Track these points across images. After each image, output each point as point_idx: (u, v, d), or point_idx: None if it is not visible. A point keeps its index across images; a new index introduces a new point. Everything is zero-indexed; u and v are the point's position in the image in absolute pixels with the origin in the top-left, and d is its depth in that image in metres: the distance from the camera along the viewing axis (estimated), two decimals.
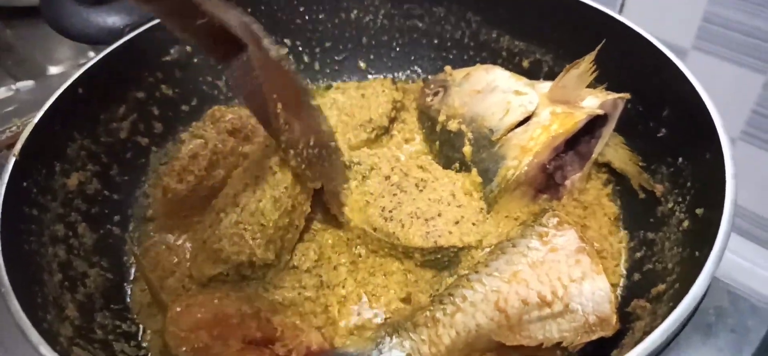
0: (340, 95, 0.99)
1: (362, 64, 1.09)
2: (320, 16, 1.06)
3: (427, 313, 0.68)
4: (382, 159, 0.84)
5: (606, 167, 0.85)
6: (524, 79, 0.88)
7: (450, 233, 0.75)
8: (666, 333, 0.50)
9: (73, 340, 0.63)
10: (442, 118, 0.89)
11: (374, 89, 0.99)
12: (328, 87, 1.08)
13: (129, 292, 0.78)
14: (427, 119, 0.94)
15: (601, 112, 0.78)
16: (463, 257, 0.76)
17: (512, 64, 0.98)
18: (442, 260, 0.76)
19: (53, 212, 0.75)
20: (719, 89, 1.11)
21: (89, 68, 0.82)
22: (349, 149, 0.89)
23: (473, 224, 0.76)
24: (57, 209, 0.75)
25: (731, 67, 1.08)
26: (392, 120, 0.98)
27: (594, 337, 0.62)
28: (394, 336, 0.68)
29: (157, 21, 0.90)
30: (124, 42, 0.87)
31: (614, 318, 0.62)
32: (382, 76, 1.09)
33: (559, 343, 0.62)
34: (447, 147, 0.88)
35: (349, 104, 0.97)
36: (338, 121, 0.94)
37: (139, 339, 0.72)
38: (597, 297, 0.63)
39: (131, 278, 0.79)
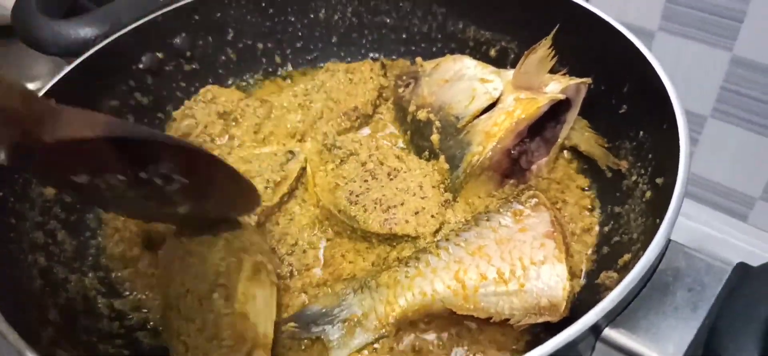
0: (329, 78, 1.01)
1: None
2: (290, 18, 1.08)
3: (391, 273, 0.71)
4: (363, 146, 0.87)
5: (573, 150, 0.87)
6: (491, 68, 0.90)
7: (406, 222, 0.77)
8: (624, 292, 0.52)
9: (57, 342, 0.64)
10: (412, 108, 0.90)
11: (363, 73, 1.01)
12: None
13: (114, 294, 0.79)
14: (400, 109, 0.96)
15: (563, 97, 0.80)
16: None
17: (480, 54, 1.00)
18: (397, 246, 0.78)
19: (31, 221, 0.76)
20: (688, 68, 1.14)
21: (61, 78, 0.84)
22: (335, 134, 0.92)
23: (432, 216, 0.78)
24: (35, 217, 0.77)
25: (698, 46, 1.11)
26: (376, 107, 1.00)
27: (540, 320, 0.63)
28: (357, 293, 0.71)
29: (127, 30, 0.92)
30: (95, 52, 0.89)
31: (563, 305, 0.63)
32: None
33: (507, 319, 0.64)
34: (417, 136, 0.90)
35: (337, 89, 0.99)
36: (324, 106, 0.96)
37: (124, 339, 0.73)
38: (552, 282, 0.65)
39: (114, 279, 0.81)
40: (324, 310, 0.71)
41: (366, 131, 0.98)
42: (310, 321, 0.70)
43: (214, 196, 0.67)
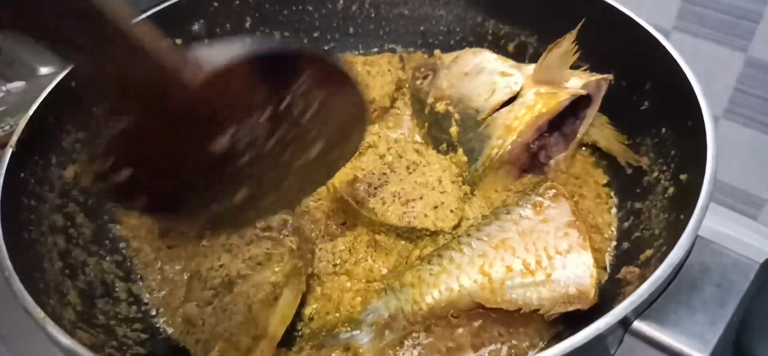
0: None
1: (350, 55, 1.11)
2: (308, 7, 1.07)
3: (414, 272, 0.70)
4: (382, 138, 0.87)
5: (592, 146, 0.87)
6: (511, 61, 0.89)
7: (425, 216, 0.77)
8: (652, 287, 0.52)
9: (76, 324, 0.64)
10: (430, 100, 0.90)
11: (381, 66, 1.01)
12: None
13: (131, 278, 0.79)
14: (417, 101, 0.96)
15: (583, 92, 0.80)
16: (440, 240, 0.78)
17: (498, 48, 1.00)
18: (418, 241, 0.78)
19: (51, 203, 0.75)
20: (702, 69, 1.13)
21: None
22: None
23: (451, 211, 0.78)
24: (55, 200, 0.76)
25: (713, 47, 1.11)
26: (394, 100, 1.00)
27: (570, 308, 0.63)
28: (381, 296, 0.71)
29: (146, 15, 0.92)
30: None
31: (592, 293, 0.64)
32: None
33: (536, 310, 0.64)
34: (435, 128, 0.90)
35: None
36: None
37: (142, 323, 0.73)
38: (579, 271, 0.65)
39: (132, 263, 0.81)
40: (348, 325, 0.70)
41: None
42: (337, 335, 0.70)
43: (340, 123, 0.59)
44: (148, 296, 0.77)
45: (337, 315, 0.72)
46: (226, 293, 0.66)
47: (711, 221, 1.07)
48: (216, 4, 1.01)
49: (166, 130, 0.45)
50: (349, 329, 0.69)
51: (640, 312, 0.54)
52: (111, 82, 0.41)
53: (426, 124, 0.92)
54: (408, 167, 0.82)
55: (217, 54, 0.44)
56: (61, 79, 0.81)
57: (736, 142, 1.19)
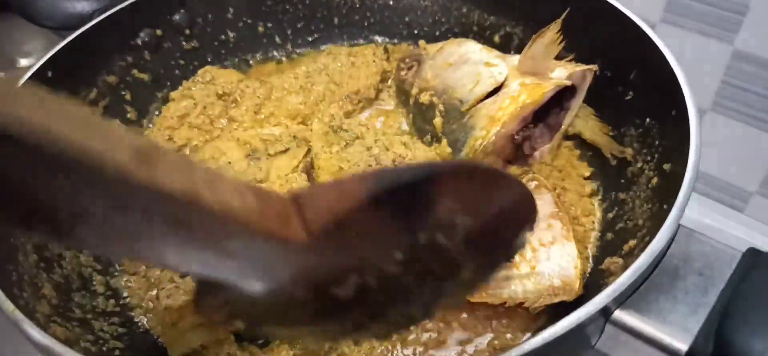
0: (331, 61, 1.00)
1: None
2: None
3: None
4: (369, 130, 0.86)
5: (576, 137, 0.87)
6: (495, 52, 0.89)
7: None
8: (633, 277, 0.51)
9: (51, 318, 0.63)
10: (414, 91, 0.89)
11: (365, 57, 1.00)
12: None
13: (109, 272, 0.77)
14: (402, 92, 0.95)
15: (568, 83, 0.80)
16: None
17: (484, 39, 0.99)
18: None
19: None
20: (689, 61, 1.13)
21: (58, 51, 0.82)
22: (342, 116, 0.91)
23: None
24: None
25: (700, 39, 1.10)
26: (379, 92, 0.99)
27: (556, 300, 0.63)
28: None
29: (125, 4, 0.91)
30: (92, 25, 0.87)
31: (577, 284, 0.63)
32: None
33: (521, 303, 0.64)
34: (420, 119, 0.89)
35: (339, 72, 0.98)
36: (326, 89, 0.95)
37: (120, 317, 0.72)
38: (563, 263, 0.65)
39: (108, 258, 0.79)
40: None
41: (367, 114, 0.97)
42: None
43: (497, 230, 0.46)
44: (126, 290, 0.75)
45: None
46: None
47: (698, 213, 1.08)
48: None
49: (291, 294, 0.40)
50: None
51: (621, 301, 0.53)
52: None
53: (410, 115, 0.91)
54: (394, 160, 0.81)
55: (329, 195, 0.38)
56: (38, 68, 0.80)
57: (724, 134, 1.18)
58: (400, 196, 0.38)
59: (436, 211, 0.40)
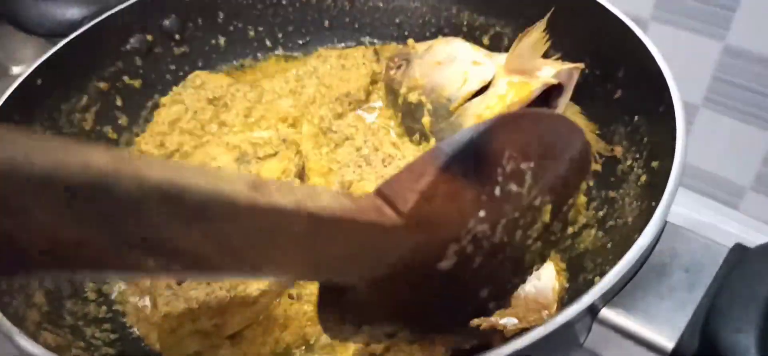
0: (321, 64, 1.00)
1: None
2: (282, 1, 1.07)
3: None
4: (359, 131, 0.86)
5: None
6: (483, 51, 0.89)
7: None
8: (619, 274, 0.51)
9: (41, 325, 0.63)
10: (403, 90, 0.90)
11: (355, 59, 1.00)
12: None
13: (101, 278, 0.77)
14: (391, 91, 0.95)
15: (555, 81, 0.80)
16: None
17: (473, 39, 0.99)
18: None
19: None
20: (681, 58, 1.14)
21: (48, 58, 0.82)
22: (332, 118, 0.92)
23: None
24: None
25: (691, 36, 1.10)
26: (369, 93, 1.00)
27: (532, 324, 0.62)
28: None
29: (115, 10, 0.91)
30: (82, 32, 0.87)
31: (554, 307, 0.63)
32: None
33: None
34: (408, 118, 0.89)
35: (329, 75, 0.98)
36: (316, 91, 0.95)
37: (112, 323, 0.72)
38: (541, 285, 0.64)
39: None
40: None
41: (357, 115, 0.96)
42: None
43: (563, 167, 0.50)
44: (118, 296, 0.75)
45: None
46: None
47: (691, 209, 1.08)
48: None
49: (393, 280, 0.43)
50: None
51: (608, 299, 0.53)
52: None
53: (399, 114, 0.91)
54: (383, 161, 0.82)
55: (407, 178, 0.41)
56: (28, 76, 0.80)
57: (716, 131, 1.18)
58: (467, 157, 0.42)
59: (501, 163, 0.44)
